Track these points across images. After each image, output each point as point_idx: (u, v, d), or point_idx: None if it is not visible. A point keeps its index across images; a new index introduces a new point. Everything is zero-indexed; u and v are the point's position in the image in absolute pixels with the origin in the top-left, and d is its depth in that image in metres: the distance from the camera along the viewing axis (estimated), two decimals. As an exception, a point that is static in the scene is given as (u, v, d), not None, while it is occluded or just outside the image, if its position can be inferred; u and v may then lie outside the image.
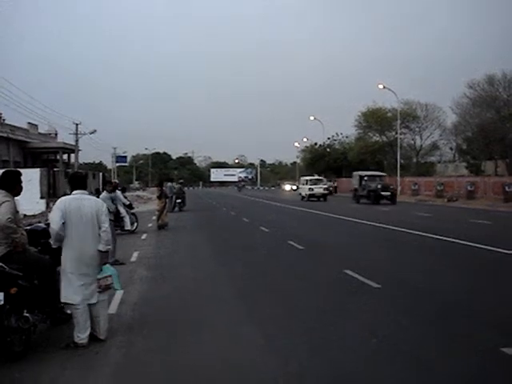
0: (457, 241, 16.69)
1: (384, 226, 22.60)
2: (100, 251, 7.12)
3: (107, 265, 7.19)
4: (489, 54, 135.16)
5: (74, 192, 7.33)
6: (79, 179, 7.52)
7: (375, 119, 76.92)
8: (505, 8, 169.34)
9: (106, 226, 7.17)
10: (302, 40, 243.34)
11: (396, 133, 68.69)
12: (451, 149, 75.55)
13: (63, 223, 7.06)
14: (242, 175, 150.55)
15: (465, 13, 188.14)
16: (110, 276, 7.14)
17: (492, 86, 62.53)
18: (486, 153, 63.27)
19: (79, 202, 7.18)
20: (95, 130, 67.40)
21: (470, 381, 5.64)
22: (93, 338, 7.11)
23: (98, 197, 13.17)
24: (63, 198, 7.57)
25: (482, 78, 63.05)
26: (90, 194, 7.73)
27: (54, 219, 7.13)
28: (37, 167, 44.10)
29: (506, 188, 40.73)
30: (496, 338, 6.82)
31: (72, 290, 7.00)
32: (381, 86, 61.25)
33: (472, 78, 65.72)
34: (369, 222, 24.24)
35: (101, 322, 7.16)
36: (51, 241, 7.33)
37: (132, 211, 21.98)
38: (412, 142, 77.20)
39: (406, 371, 5.88)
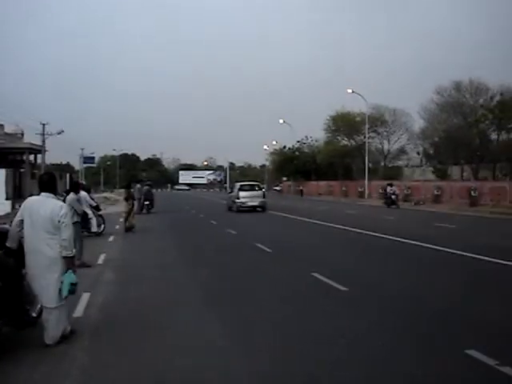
0: (423, 244, 16.87)
1: (351, 229, 22.74)
2: (62, 257, 7.07)
3: (69, 270, 7.09)
4: (457, 60, 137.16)
5: (42, 194, 7.30)
6: (46, 182, 7.47)
7: (344, 123, 77.59)
8: (474, 16, 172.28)
9: (63, 233, 7.04)
10: (274, 43, 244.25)
11: (364, 137, 69.32)
12: (418, 153, 76.66)
13: (21, 222, 7.18)
14: (211, 177, 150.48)
15: (434, 19, 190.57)
16: (62, 282, 7.05)
17: (459, 92, 63.58)
18: (452, 158, 64.37)
19: (40, 205, 7.17)
20: (63, 131, 66.77)
21: (432, 382, 5.71)
22: (60, 340, 7.07)
23: (64, 198, 13.09)
24: (29, 197, 7.57)
25: (450, 85, 64.11)
26: (61, 196, 7.68)
27: (15, 218, 7.30)
28: (2, 168, 43.41)
29: (472, 192, 41.35)
30: (461, 340, 6.90)
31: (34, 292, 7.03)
32: (350, 91, 61.75)
33: (440, 83, 66.79)
34: (335, 225, 24.39)
35: (49, 327, 7.05)
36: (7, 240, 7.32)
37: (99, 213, 21.77)
38: (380, 146, 78.26)
39: (371, 372, 5.93)
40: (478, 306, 9.07)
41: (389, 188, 42.25)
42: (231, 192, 40.55)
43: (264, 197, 37.87)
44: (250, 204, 36.54)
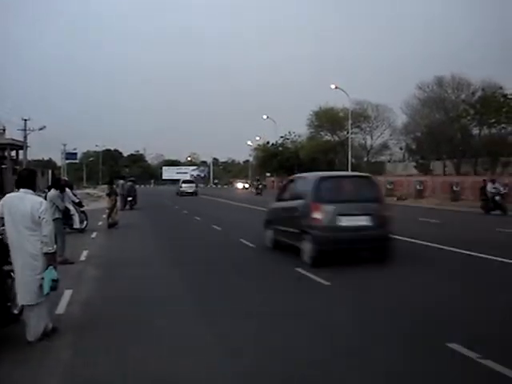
0: (406, 239, 16.94)
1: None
2: (43, 253, 7.03)
3: (50, 267, 7.05)
4: (438, 55, 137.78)
5: (21, 190, 7.24)
6: (25, 177, 7.41)
7: (327, 119, 77.80)
8: (452, 12, 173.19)
9: (44, 229, 6.99)
10: (257, 39, 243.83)
11: (347, 132, 69.48)
12: (401, 148, 76.94)
13: (1, 219, 7.15)
14: (195, 173, 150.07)
15: (414, 15, 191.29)
16: (43, 278, 7.01)
17: (441, 87, 63.93)
18: (434, 153, 64.70)
19: (20, 201, 7.11)
20: (44, 126, 66.27)
21: (416, 376, 5.74)
22: (42, 337, 7.03)
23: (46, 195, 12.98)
24: (8, 194, 7.52)
25: (432, 80, 64.46)
26: (43, 192, 7.61)
27: None
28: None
29: (454, 187, 41.65)
30: (443, 334, 6.96)
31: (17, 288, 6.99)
32: (333, 86, 61.78)
33: (422, 79, 67.10)
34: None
35: (30, 324, 7.02)
36: None
37: (82, 209, 21.62)
38: (363, 141, 78.65)
39: (355, 368, 5.95)
40: (458, 300, 9.16)
41: (489, 185, 29.19)
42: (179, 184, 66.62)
43: (196, 187, 65.29)
44: (188, 191, 61.91)
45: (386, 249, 12.58)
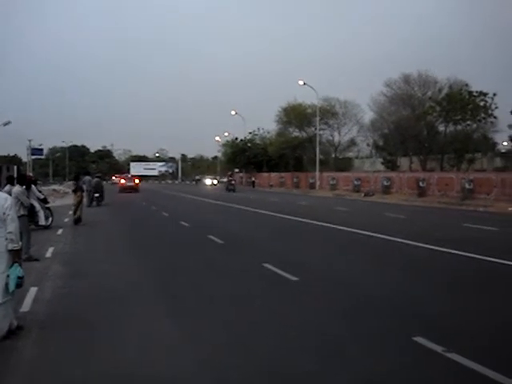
0: (373, 234, 17.12)
1: (303, 220, 22.90)
2: (8, 251, 6.92)
3: (15, 264, 6.94)
4: (405, 53, 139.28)
5: None
6: None
7: (295, 115, 78.04)
8: (420, 10, 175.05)
9: (9, 226, 6.87)
10: (225, 33, 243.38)
11: (315, 129, 69.82)
12: (368, 145, 77.55)
13: None
14: (163, 169, 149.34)
15: (382, 14, 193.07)
16: (8, 276, 6.90)
17: (408, 84, 64.64)
18: (401, 149, 65.41)
19: None
20: (9, 121, 65.36)
21: (382, 369, 5.76)
22: (7, 335, 6.89)
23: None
24: None
25: (399, 77, 65.14)
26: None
27: None
28: None
29: (420, 183, 42.20)
30: (409, 328, 7.01)
31: None
32: (301, 83, 61.96)
33: (389, 76, 67.75)
34: (288, 216, 24.54)
35: None
36: None
37: (47, 206, 21.36)
38: (331, 137, 78.98)
39: (320, 363, 5.97)
40: (422, 293, 9.28)
41: None
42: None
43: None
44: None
45: (136, 191, 57.07)
